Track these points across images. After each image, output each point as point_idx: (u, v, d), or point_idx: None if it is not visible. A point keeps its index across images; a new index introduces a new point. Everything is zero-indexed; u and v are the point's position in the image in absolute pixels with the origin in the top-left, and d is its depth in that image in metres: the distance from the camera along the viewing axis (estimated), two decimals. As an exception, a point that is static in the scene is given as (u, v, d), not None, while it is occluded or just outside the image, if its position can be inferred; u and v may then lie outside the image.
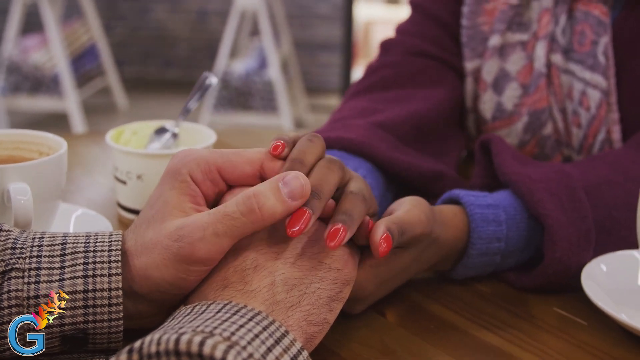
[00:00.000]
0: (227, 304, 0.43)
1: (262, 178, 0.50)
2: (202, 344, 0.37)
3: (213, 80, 0.80)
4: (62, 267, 0.45)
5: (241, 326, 0.40)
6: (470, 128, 0.88)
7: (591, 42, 0.77)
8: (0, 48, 3.26)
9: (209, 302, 0.44)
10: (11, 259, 0.45)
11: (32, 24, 3.49)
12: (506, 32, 0.82)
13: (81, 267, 0.45)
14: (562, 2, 0.79)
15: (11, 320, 0.44)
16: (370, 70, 0.86)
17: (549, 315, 0.59)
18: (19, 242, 0.46)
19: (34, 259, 0.45)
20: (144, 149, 0.77)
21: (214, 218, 0.45)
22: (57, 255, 0.46)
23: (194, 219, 0.46)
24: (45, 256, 0.46)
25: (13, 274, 0.44)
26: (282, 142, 0.51)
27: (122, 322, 0.46)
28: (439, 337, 0.55)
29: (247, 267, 0.47)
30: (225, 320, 0.40)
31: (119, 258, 0.46)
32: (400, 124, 0.76)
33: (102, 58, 3.59)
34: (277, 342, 0.41)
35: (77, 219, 0.67)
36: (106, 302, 0.45)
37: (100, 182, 0.86)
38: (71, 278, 0.45)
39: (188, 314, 0.43)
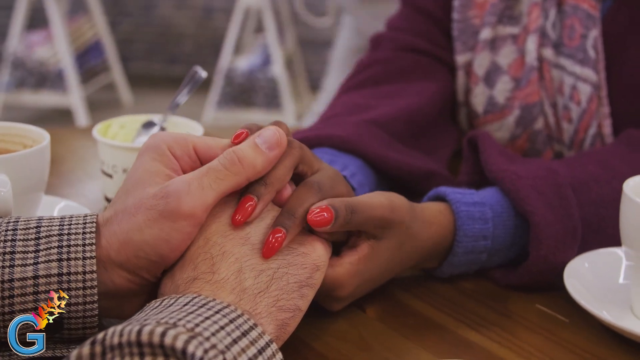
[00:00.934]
0: (195, 297, 0.43)
1: None
2: (163, 334, 0.36)
3: (202, 74, 0.80)
4: (37, 251, 0.45)
5: (207, 318, 0.40)
6: (462, 122, 0.88)
7: (580, 35, 0.76)
8: (5, 43, 3.27)
9: (178, 296, 0.43)
10: None
11: (38, 20, 3.50)
12: (497, 25, 0.81)
13: (55, 250, 0.45)
14: (551, -4, 0.78)
15: None
16: (361, 66, 0.86)
17: (530, 312, 0.59)
18: None
19: (9, 243, 0.45)
20: (132, 142, 0.77)
21: (199, 173, 0.47)
22: (32, 239, 0.46)
23: (178, 178, 0.47)
24: (20, 240, 0.46)
25: None
26: (245, 130, 0.51)
27: (96, 305, 0.46)
28: (418, 334, 0.55)
29: (215, 253, 0.47)
30: (191, 313, 0.40)
31: (93, 241, 0.46)
32: (392, 120, 0.76)
33: (107, 54, 3.60)
34: (244, 334, 0.41)
35: (60, 211, 0.67)
36: (80, 285, 0.45)
37: (92, 176, 0.86)
38: (45, 262, 0.45)
39: (157, 307, 0.43)
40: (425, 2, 0.86)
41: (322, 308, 0.55)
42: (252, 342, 0.41)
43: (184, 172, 0.50)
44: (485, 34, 0.82)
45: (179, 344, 0.36)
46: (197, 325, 0.39)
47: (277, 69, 3.14)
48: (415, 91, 0.81)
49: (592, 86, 0.75)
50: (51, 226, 0.47)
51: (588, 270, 0.59)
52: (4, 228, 0.46)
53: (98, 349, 0.37)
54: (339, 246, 0.54)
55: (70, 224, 0.47)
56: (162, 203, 0.46)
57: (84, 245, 0.46)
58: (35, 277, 0.44)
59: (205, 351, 0.37)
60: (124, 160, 0.72)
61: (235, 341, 0.40)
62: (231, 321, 0.41)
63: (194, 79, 0.79)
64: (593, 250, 0.61)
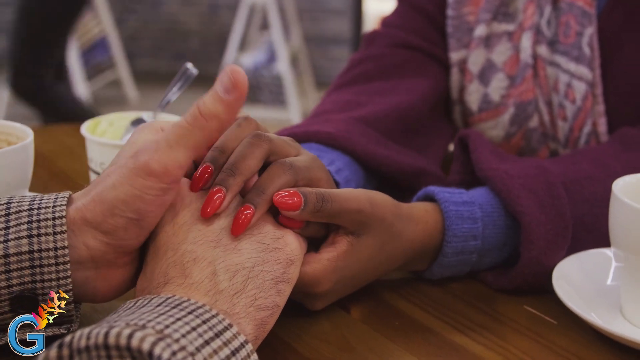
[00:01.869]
0: (169, 297, 0.42)
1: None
2: (130, 336, 0.36)
3: (193, 71, 0.79)
4: (7, 228, 0.45)
5: (178, 319, 0.39)
6: (456, 120, 0.86)
7: (576, 33, 0.75)
8: (11, 40, 3.27)
9: (152, 296, 0.43)
10: None
11: (44, 17, 3.50)
12: (492, 22, 0.80)
13: (25, 226, 0.45)
14: (547, -8, 0.77)
15: None
16: (354, 62, 0.85)
17: (518, 313, 0.57)
18: None
19: None
20: (120, 140, 0.76)
21: (166, 132, 0.47)
22: (2, 216, 0.45)
23: (148, 139, 0.47)
24: None
25: None
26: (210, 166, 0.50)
27: (70, 280, 0.45)
28: (403, 335, 0.54)
29: (186, 260, 0.46)
30: (163, 314, 0.39)
31: (64, 213, 0.45)
32: (383, 117, 0.75)
33: (113, 51, 3.60)
34: (218, 335, 0.40)
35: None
36: (53, 261, 0.45)
37: (81, 173, 0.86)
38: (16, 239, 0.44)
39: (130, 308, 0.42)
40: None
41: (305, 308, 0.54)
42: (226, 343, 0.40)
43: None
44: (480, 31, 0.81)
45: (146, 346, 0.35)
46: (167, 326, 0.38)
47: (283, 66, 3.14)
48: (407, 88, 0.80)
49: (587, 84, 0.74)
50: (22, 202, 0.46)
51: (577, 271, 0.58)
52: None
53: (65, 352, 0.36)
54: (318, 243, 0.53)
55: (41, 199, 0.47)
56: (131, 161, 0.46)
57: (53, 219, 0.45)
58: (6, 255, 0.44)
59: (174, 353, 0.36)
60: (112, 158, 0.71)
61: (207, 342, 0.39)
62: (204, 322, 0.40)
63: (185, 75, 0.79)
64: (588, 249, 0.60)
